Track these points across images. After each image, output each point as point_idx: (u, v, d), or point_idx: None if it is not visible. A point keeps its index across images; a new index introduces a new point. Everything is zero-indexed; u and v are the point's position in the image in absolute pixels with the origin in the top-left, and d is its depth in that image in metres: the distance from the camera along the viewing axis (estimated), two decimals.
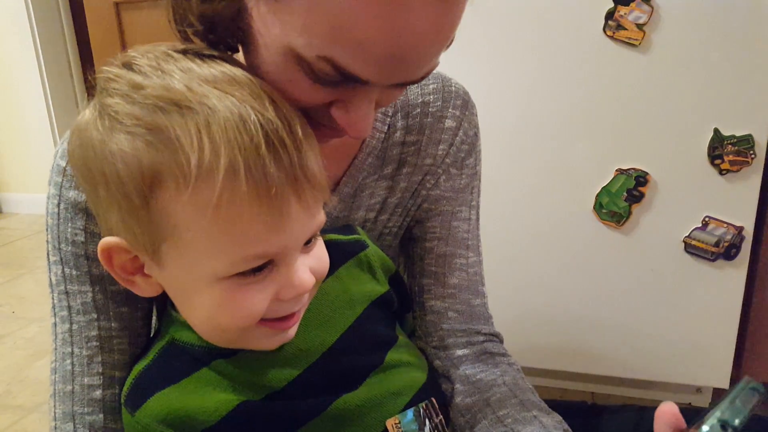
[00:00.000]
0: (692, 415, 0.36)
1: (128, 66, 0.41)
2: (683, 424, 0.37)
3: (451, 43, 0.46)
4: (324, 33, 0.37)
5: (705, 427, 0.34)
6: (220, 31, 0.43)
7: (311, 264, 0.45)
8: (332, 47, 0.37)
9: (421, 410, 0.52)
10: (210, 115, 0.37)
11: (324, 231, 0.52)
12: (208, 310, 0.43)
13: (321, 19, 0.36)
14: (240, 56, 0.46)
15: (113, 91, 0.40)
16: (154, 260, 0.42)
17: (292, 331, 0.47)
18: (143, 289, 0.45)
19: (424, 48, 0.39)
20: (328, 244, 0.49)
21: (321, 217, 0.44)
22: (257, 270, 0.41)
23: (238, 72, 0.41)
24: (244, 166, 0.36)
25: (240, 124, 0.37)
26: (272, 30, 0.39)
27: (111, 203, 0.40)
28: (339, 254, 0.53)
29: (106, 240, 0.42)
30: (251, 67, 0.44)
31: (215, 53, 0.43)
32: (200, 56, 0.42)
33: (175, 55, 0.41)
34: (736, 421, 0.34)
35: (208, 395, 0.46)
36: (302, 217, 0.41)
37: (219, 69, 0.40)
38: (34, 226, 2.71)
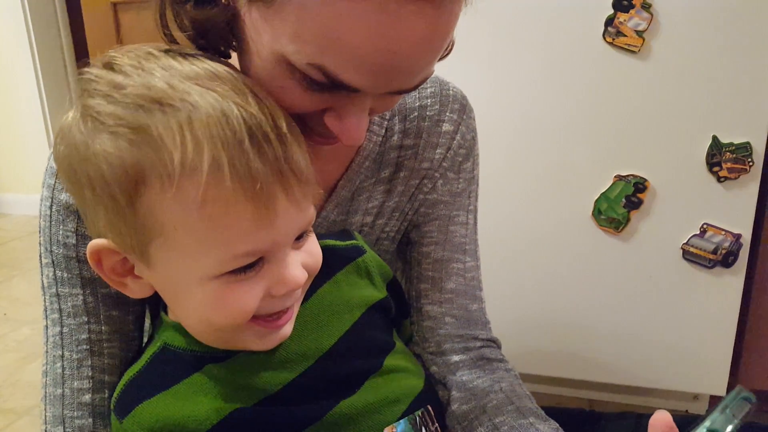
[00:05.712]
0: (688, 422, 0.36)
1: (109, 66, 0.40)
2: None
3: (450, 51, 0.45)
4: (314, 41, 0.37)
5: None
6: (211, 37, 0.43)
7: (303, 259, 0.44)
8: (323, 55, 0.37)
9: (417, 419, 0.51)
10: (192, 112, 0.37)
11: (321, 236, 0.52)
12: (200, 309, 0.42)
13: (311, 28, 0.36)
14: (233, 63, 0.45)
15: (94, 91, 0.39)
16: (143, 261, 0.42)
17: (287, 329, 0.46)
18: (134, 290, 0.45)
19: (416, 57, 0.39)
20: (326, 250, 0.48)
21: (311, 212, 0.43)
22: (248, 267, 0.40)
23: (219, 68, 0.41)
24: (228, 162, 0.36)
25: (222, 120, 0.37)
26: (264, 37, 0.39)
27: (97, 205, 0.40)
28: (336, 260, 0.52)
29: (95, 242, 0.42)
30: (245, 74, 0.43)
31: (198, 52, 0.43)
32: (182, 54, 0.42)
33: (157, 53, 0.41)
34: (726, 430, 0.35)
35: (199, 402, 0.45)
36: (291, 212, 0.40)
37: (200, 66, 0.40)
38: (28, 227, 2.69)
